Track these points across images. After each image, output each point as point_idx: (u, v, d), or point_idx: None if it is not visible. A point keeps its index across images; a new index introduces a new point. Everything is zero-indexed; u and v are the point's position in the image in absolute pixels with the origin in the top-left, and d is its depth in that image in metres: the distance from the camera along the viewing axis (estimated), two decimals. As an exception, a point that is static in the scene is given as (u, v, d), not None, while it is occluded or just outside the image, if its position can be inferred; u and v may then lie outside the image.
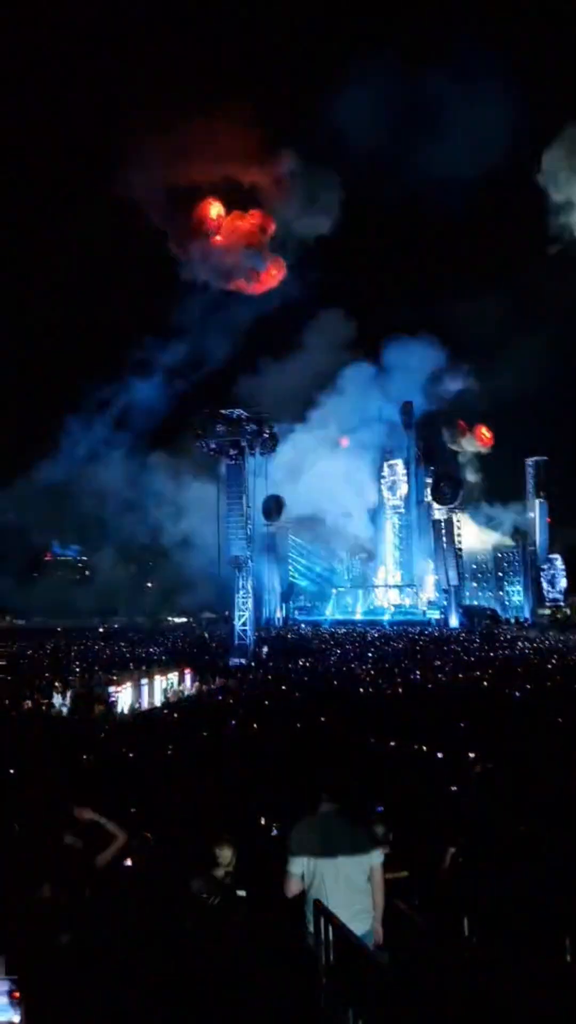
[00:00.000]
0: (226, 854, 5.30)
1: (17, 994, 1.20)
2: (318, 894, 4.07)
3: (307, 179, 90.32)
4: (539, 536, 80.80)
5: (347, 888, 4.04)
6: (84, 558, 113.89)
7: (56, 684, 23.93)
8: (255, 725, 16.35)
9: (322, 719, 16.48)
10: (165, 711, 21.44)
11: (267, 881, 4.99)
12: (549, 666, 30.26)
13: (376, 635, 56.86)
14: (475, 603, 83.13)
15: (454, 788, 7.86)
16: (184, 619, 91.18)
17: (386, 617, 77.50)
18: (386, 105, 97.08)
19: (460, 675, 27.46)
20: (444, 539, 75.02)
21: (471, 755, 10.04)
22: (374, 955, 3.62)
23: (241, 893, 4.95)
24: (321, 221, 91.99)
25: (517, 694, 20.87)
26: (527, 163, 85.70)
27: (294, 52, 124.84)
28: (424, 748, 12.57)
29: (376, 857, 4.23)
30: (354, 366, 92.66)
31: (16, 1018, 1.18)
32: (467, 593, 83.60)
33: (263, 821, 7.51)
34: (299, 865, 4.17)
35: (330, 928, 3.46)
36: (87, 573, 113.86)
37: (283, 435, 56.28)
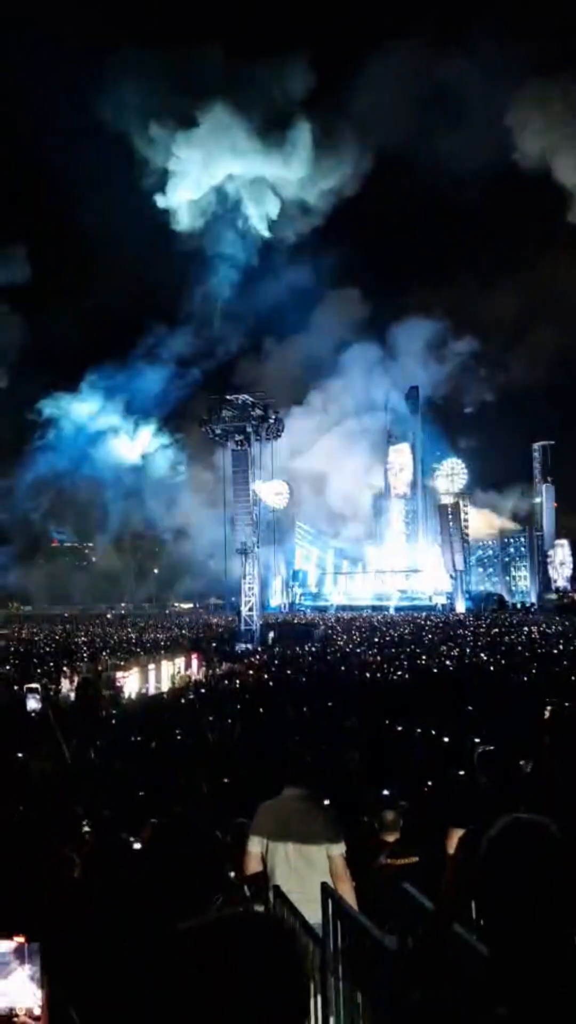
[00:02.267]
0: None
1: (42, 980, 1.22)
2: (271, 876, 4.07)
3: (324, 151, 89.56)
4: (546, 521, 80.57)
5: (297, 874, 4.01)
6: (90, 544, 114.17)
7: (64, 669, 24.04)
8: (261, 710, 16.40)
9: (329, 704, 16.51)
10: (172, 696, 21.52)
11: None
12: (556, 651, 30.24)
13: (382, 620, 56.92)
14: (481, 588, 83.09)
15: (461, 772, 7.86)
16: (190, 605, 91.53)
17: (392, 602, 77.55)
18: (403, 90, 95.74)
19: (467, 660, 27.47)
20: (450, 524, 74.96)
21: (476, 739, 10.04)
22: (384, 939, 3.62)
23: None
24: (333, 197, 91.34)
25: (524, 678, 20.87)
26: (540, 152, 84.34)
27: (322, 26, 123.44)
28: (432, 732, 12.59)
29: (336, 848, 4.15)
30: (361, 350, 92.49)
31: (38, 1002, 1.19)
32: (473, 578, 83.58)
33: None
34: (258, 845, 4.17)
35: (338, 912, 3.45)
36: (93, 559, 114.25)
37: (287, 418, 55.99)
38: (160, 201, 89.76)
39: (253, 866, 4.18)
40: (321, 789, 4.79)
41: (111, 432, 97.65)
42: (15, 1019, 1.21)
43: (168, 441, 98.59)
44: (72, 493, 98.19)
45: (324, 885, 3.71)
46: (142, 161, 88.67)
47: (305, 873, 4.00)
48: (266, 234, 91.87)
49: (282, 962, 1.02)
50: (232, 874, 4.98)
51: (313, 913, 3.71)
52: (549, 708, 13.52)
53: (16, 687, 17.96)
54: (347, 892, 4.12)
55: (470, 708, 14.96)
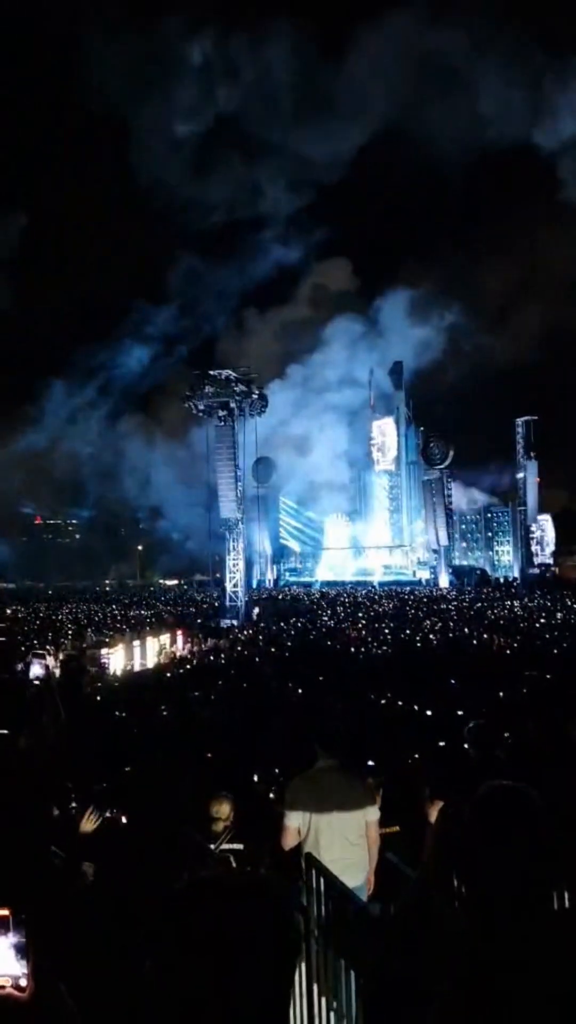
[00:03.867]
0: (224, 809, 5.37)
1: (26, 948, 1.23)
2: (313, 848, 4.13)
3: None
4: (529, 496, 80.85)
5: (341, 843, 4.09)
6: (73, 521, 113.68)
7: (48, 647, 23.99)
8: (245, 685, 16.49)
9: (320, 678, 16.62)
10: (157, 672, 21.58)
11: (263, 836, 5.07)
12: (538, 625, 30.60)
13: (366, 595, 57.21)
14: (465, 563, 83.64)
15: (442, 743, 7.97)
16: (174, 581, 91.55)
17: (376, 577, 77.90)
18: (396, 65, 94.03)
19: (450, 634, 27.73)
20: (434, 499, 75.20)
21: (460, 712, 10.16)
22: (366, 906, 3.68)
23: (238, 846, 5.04)
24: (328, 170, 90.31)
25: (507, 652, 21.11)
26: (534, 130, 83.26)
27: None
28: (415, 706, 12.72)
29: (372, 813, 4.28)
30: (345, 324, 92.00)
31: (23, 971, 1.20)
32: (457, 553, 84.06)
33: (256, 779, 7.60)
34: (296, 819, 4.22)
35: (322, 880, 3.50)
36: (77, 536, 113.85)
37: (270, 393, 55.65)
38: (146, 173, 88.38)
39: (291, 840, 4.23)
40: (355, 759, 4.85)
41: (90, 408, 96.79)
42: (0, 989, 1.22)
43: (148, 418, 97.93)
44: (50, 470, 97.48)
45: (308, 855, 3.77)
46: (129, 130, 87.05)
47: (348, 840, 4.14)
48: (253, 208, 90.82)
49: (270, 923, 1.03)
50: (227, 846, 5.02)
51: (355, 878, 3.99)
52: (529, 682, 13.73)
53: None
54: (376, 856, 4.31)
55: (453, 681, 15.13)
